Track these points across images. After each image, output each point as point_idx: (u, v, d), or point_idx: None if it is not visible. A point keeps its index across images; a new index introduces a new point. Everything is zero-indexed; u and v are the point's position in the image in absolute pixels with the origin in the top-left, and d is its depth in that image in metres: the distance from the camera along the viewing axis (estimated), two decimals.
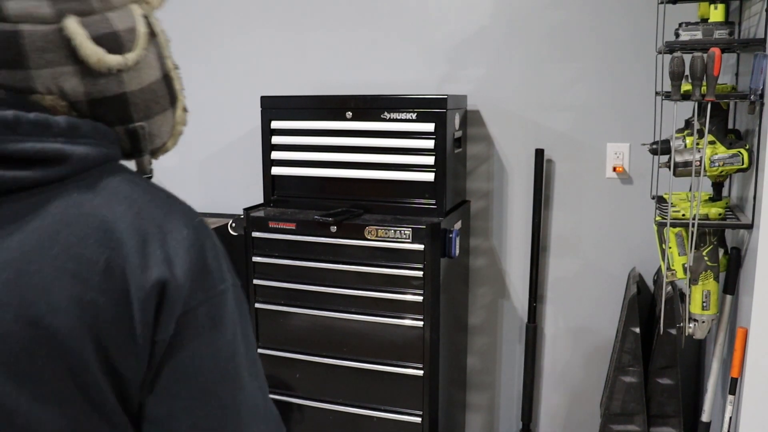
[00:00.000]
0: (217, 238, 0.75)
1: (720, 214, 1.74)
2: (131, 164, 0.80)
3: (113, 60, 0.71)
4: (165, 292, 0.67)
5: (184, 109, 0.84)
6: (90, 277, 0.65)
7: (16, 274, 0.63)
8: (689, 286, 1.80)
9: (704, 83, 1.61)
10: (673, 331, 2.07)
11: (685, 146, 1.73)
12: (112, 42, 0.71)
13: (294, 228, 2.22)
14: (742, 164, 1.68)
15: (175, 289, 0.67)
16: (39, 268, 0.64)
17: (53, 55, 0.68)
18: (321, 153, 2.32)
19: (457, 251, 2.16)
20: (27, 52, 0.67)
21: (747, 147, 1.69)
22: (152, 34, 0.80)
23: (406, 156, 2.22)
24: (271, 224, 2.24)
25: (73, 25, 0.69)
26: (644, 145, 1.87)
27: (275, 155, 2.38)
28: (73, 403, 0.65)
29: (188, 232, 0.71)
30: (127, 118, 0.75)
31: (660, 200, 1.89)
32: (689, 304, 1.82)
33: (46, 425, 0.64)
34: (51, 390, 0.64)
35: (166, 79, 0.79)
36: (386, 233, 2.12)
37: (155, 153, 0.85)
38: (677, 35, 1.75)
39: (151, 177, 0.82)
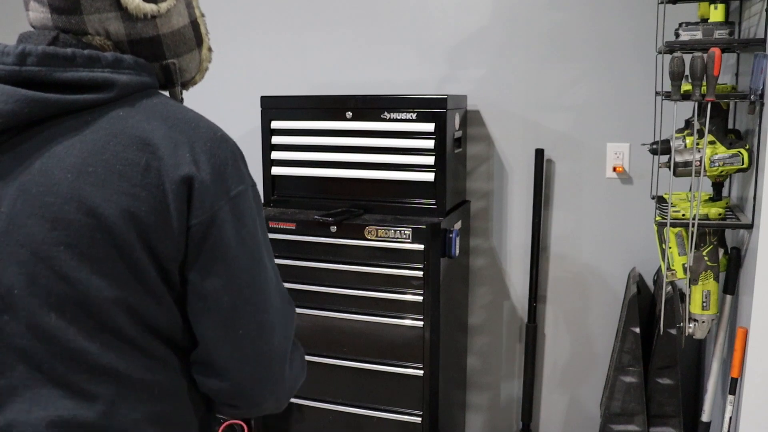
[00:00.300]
0: (237, 147, 0.90)
1: (720, 214, 1.74)
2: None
3: (148, 7, 0.89)
4: (192, 185, 0.83)
5: (209, 49, 1.03)
6: (133, 175, 0.82)
7: (77, 174, 0.82)
8: (689, 286, 1.80)
9: (704, 83, 1.61)
10: (673, 331, 2.07)
11: (685, 146, 1.73)
12: None
13: (294, 228, 2.22)
14: (742, 164, 1.68)
15: (200, 183, 0.83)
16: (94, 170, 0.82)
17: (101, 3, 0.87)
18: (321, 153, 2.32)
19: (457, 251, 2.16)
20: (81, 2, 0.87)
21: (747, 147, 1.69)
22: None
23: (406, 156, 2.22)
24: (272, 224, 2.24)
25: None
26: (644, 145, 1.87)
27: (275, 155, 2.38)
28: (121, 277, 0.82)
29: (212, 142, 0.86)
30: (161, 56, 0.94)
31: (660, 200, 1.89)
32: (689, 304, 1.82)
33: (102, 292, 0.82)
34: (105, 266, 0.82)
35: (194, 25, 0.97)
36: (386, 233, 2.12)
37: (186, 85, 1.03)
38: (677, 35, 1.75)
39: (182, 102, 0.98)
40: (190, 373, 0.92)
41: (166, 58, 0.94)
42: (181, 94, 1.01)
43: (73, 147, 0.83)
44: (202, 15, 1.00)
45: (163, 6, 0.91)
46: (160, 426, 0.88)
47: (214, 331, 0.87)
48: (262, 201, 2.43)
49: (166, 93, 0.97)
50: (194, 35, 0.98)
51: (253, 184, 0.90)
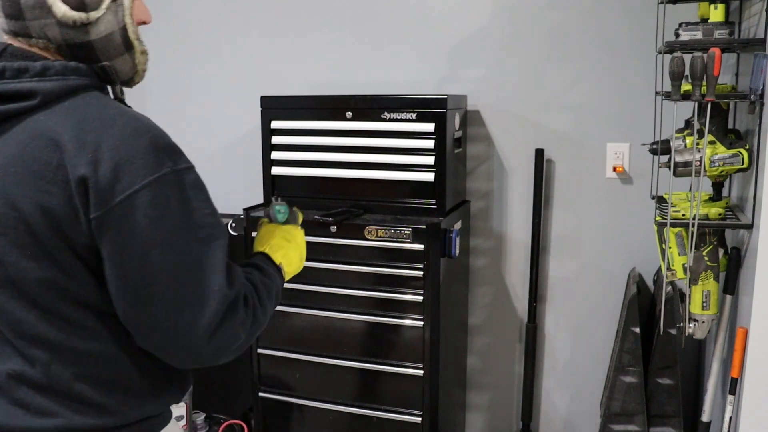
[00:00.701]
0: (156, 137, 1.02)
1: (720, 214, 1.74)
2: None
3: (76, 15, 1.02)
4: (87, 184, 0.95)
5: (143, 53, 1.12)
6: (47, 174, 0.95)
7: (3, 174, 0.97)
8: (689, 286, 1.80)
9: (704, 83, 1.61)
10: (673, 331, 2.07)
11: (685, 146, 1.73)
12: (76, 2, 1.02)
13: None
14: (742, 164, 1.68)
15: (94, 183, 0.94)
16: (15, 170, 0.97)
17: (39, 12, 1.01)
18: (321, 153, 2.32)
19: (457, 251, 2.16)
20: (23, 9, 1.01)
21: (747, 147, 1.69)
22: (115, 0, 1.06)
23: (406, 156, 2.22)
24: None
25: None
26: (644, 145, 1.87)
27: (275, 155, 2.38)
28: (44, 261, 0.98)
29: (121, 139, 0.97)
30: (96, 59, 1.07)
31: (660, 200, 1.89)
32: (689, 304, 1.82)
33: (29, 274, 0.98)
34: (29, 251, 0.98)
35: (122, 32, 1.07)
36: (386, 233, 2.12)
37: (127, 83, 1.16)
38: (677, 35, 1.75)
39: (122, 100, 1.15)
40: (124, 337, 1.04)
41: (100, 60, 1.07)
42: (122, 92, 1.17)
43: (1, 150, 0.99)
44: (133, 23, 1.08)
45: (93, 15, 1.03)
46: (92, 385, 1.03)
47: (128, 307, 1.00)
48: (262, 201, 2.43)
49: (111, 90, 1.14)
50: (123, 41, 1.08)
51: (174, 170, 0.99)
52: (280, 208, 1.43)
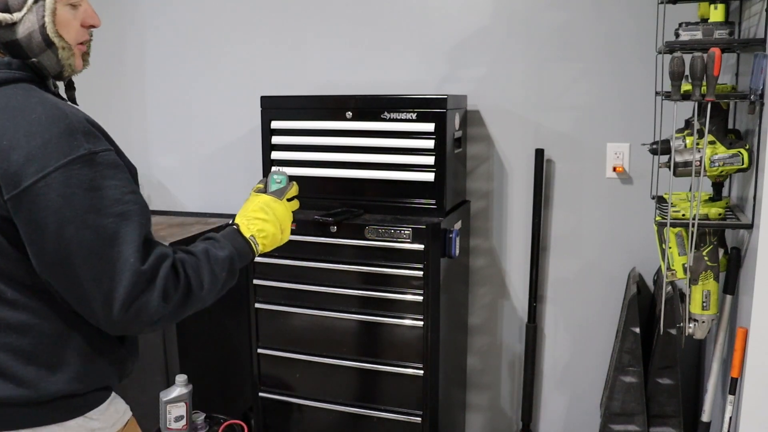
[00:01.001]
0: (73, 122, 1.07)
1: (720, 214, 1.74)
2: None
3: (1, 16, 1.12)
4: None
5: (64, 48, 1.18)
6: None
7: None
8: (689, 286, 1.80)
9: (704, 83, 1.61)
10: (673, 331, 2.07)
11: (685, 146, 1.73)
12: (3, 6, 1.12)
13: (294, 228, 2.20)
14: (742, 164, 1.68)
15: (6, 168, 1.03)
16: None
17: None
18: (321, 153, 2.32)
19: (457, 251, 2.16)
20: None
21: (747, 147, 1.69)
22: (37, 0, 1.14)
23: (406, 156, 2.22)
24: None
25: None
26: (644, 145, 1.87)
27: (275, 155, 2.38)
28: None
29: (36, 126, 1.04)
30: (25, 55, 1.16)
31: (660, 200, 1.89)
32: (689, 304, 1.82)
33: None
34: None
35: (42, 29, 1.14)
36: (386, 233, 2.12)
37: (58, 77, 1.22)
38: (677, 35, 1.74)
39: (56, 92, 1.22)
40: (47, 310, 1.10)
41: (29, 57, 1.16)
42: (56, 86, 1.24)
43: None
44: (53, 22, 1.16)
45: (16, 15, 1.13)
46: (10, 354, 1.09)
47: (52, 279, 1.07)
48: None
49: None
50: (42, 39, 1.15)
51: (81, 155, 1.05)
52: (277, 177, 1.44)
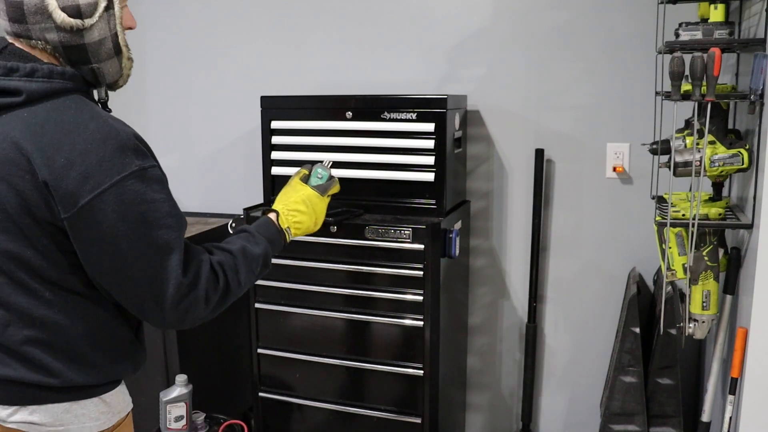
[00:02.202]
0: (123, 140, 1.12)
1: (720, 214, 1.74)
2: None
3: (73, 21, 1.15)
4: (50, 188, 1.09)
5: (129, 59, 1.26)
6: (18, 168, 1.10)
7: None
8: (689, 286, 1.80)
9: (704, 83, 1.61)
10: (673, 331, 2.07)
11: (685, 146, 1.73)
12: (73, 10, 1.15)
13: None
14: (742, 164, 1.68)
15: (56, 186, 1.08)
16: None
17: (40, 17, 1.14)
18: (321, 153, 2.31)
19: (457, 251, 2.16)
20: (26, 14, 1.14)
21: (747, 147, 1.69)
22: (108, 8, 1.19)
23: (406, 156, 2.22)
24: None
25: None
26: (644, 145, 1.87)
27: (275, 155, 2.38)
28: (13, 234, 1.12)
29: (90, 144, 1.10)
30: (87, 61, 1.19)
31: (660, 200, 1.89)
32: (689, 304, 1.82)
33: (3, 245, 1.13)
34: (1, 225, 1.13)
35: (114, 37, 1.21)
36: (386, 233, 2.12)
37: (112, 86, 1.28)
38: (677, 35, 1.75)
39: (106, 101, 1.26)
40: (79, 311, 1.18)
41: (91, 63, 1.20)
42: (106, 94, 1.27)
43: None
44: (123, 31, 1.23)
45: (87, 21, 1.16)
46: (41, 348, 1.17)
47: (105, 285, 1.17)
48: (262, 201, 2.43)
49: (95, 91, 1.26)
50: (113, 46, 1.21)
51: (134, 171, 1.12)
52: (321, 172, 1.50)
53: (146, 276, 1.14)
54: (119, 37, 1.22)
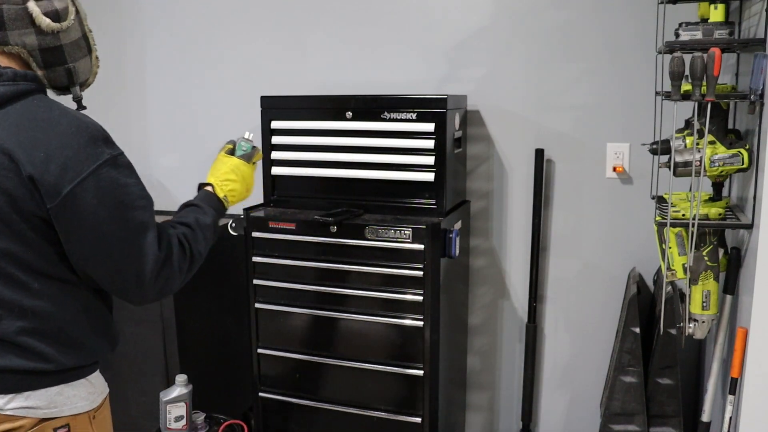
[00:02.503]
0: (94, 131, 1.22)
1: (720, 214, 1.74)
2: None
3: (55, 25, 1.26)
4: (35, 181, 1.16)
5: (97, 58, 1.39)
6: (1, 172, 1.16)
7: None
8: (689, 286, 1.80)
9: (704, 83, 1.61)
10: (673, 331, 2.07)
11: (685, 146, 1.73)
12: (54, 15, 1.26)
13: (294, 228, 2.22)
14: (742, 164, 1.68)
15: (40, 181, 1.16)
16: None
17: (20, 23, 1.24)
18: (321, 153, 2.32)
19: (457, 251, 2.16)
20: (5, 20, 1.23)
21: (747, 147, 1.69)
22: (77, 11, 1.33)
23: (406, 156, 2.22)
24: (271, 224, 2.24)
25: (32, 5, 1.25)
26: (644, 145, 1.87)
27: (275, 155, 2.38)
28: (2, 231, 1.19)
29: (65, 137, 1.19)
30: (63, 61, 1.31)
31: (660, 200, 1.89)
32: (689, 304, 1.82)
33: None
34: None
35: (85, 38, 1.35)
36: (386, 233, 2.12)
37: (82, 86, 1.39)
38: (677, 35, 1.75)
39: (80, 100, 1.38)
40: (65, 298, 1.27)
41: (67, 62, 1.31)
42: (80, 93, 1.38)
43: None
44: (90, 30, 1.37)
45: (64, 24, 1.28)
46: (34, 337, 1.24)
47: (90, 267, 1.26)
48: (262, 201, 2.43)
49: (67, 94, 1.37)
50: (86, 45, 1.35)
51: (107, 160, 1.22)
52: (244, 144, 1.66)
53: (127, 255, 1.24)
54: (89, 37, 1.36)
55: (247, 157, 1.65)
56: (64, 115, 1.22)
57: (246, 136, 1.70)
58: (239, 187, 1.59)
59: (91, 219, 1.20)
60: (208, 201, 1.51)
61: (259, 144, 2.40)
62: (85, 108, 1.37)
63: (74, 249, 1.23)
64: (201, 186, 1.58)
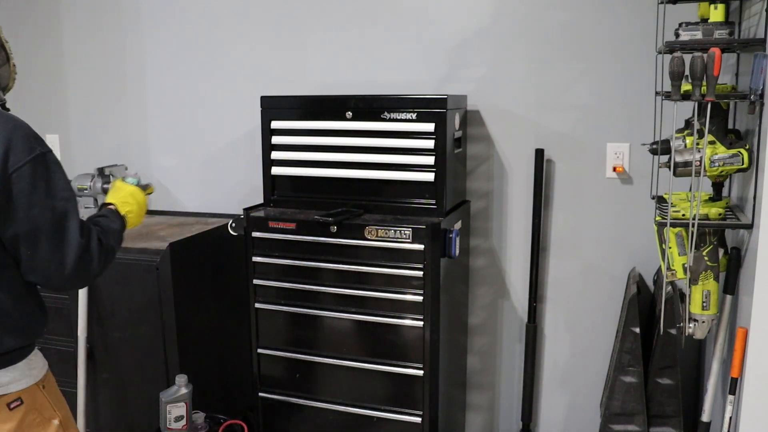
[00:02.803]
0: (26, 129, 1.41)
1: (720, 214, 1.74)
2: None
3: None
4: None
5: (14, 65, 1.57)
6: None
7: None
8: (689, 286, 1.80)
9: (704, 83, 1.61)
10: (673, 331, 2.07)
11: (685, 146, 1.73)
12: None
13: (294, 228, 2.22)
14: (742, 164, 1.68)
15: None
16: None
17: None
18: (321, 153, 2.32)
19: (457, 251, 2.16)
20: None
21: (747, 147, 1.69)
22: None
23: (406, 156, 2.22)
24: (271, 224, 2.24)
25: None
26: (644, 145, 1.87)
27: (275, 155, 2.38)
28: None
29: (7, 132, 1.37)
30: None
31: (660, 200, 1.89)
32: (689, 304, 1.82)
33: None
34: None
35: (3, 47, 1.54)
36: (386, 233, 2.12)
37: (4, 90, 1.56)
38: (677, 35, 1.75)
39: (4, 103, 1.53)
40: (8, 285, 1.42)
41: None
42: (4, 95, 1.54)
43: None
44: (7, 41, 1.55)
45: None
46: None
47: (22, 248, 1.41)
48: (262, 201, 2.44)
49: None
50: (6, 54, 1.54)
51: (40, 154, 1.40)
52: (132, 181, 1.84)
53: (52, 237, 1.41)
54: (6, 47, 1.54)
55: (143, 187, 1.84)
56: (1, 114, 1.42)
57: (133, 176, 1.91)
58: (136, 209, 1.74)
59: (24, 201, 1.38)
60: (113, 215, 1.68)
61: (258, 142, 2.42)
62: (8, 110, 1.51)
63: (7, 231, 1.38)
64: (103, 205, 1.75)
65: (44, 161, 1.41)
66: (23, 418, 1.47)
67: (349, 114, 2.26)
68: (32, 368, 1.50)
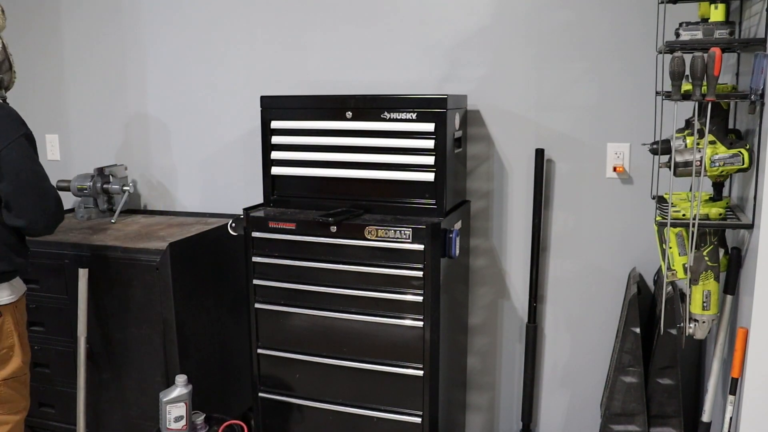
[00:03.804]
0: (13, 114, 1.97)
1: (720, 214, 1.74)
2: None
3: None
4: None
5: (15, 71, 2.08)
6: None
7: None
8: (689, 286, 1.80)
9: (704, 83, 1.61)
10: (674, 331, 2.07)
11: (686, 146, 1.73)
12: None
13: (294, 228, 2.21)
14: (743, 164, 1.68)
15: None
16: None
17: None
18: (321, 153, 2.32)
19: (457, 251, 2.16)
20: None
21: (747, 147, 1.69)
22: (3, 45, 2.02)
23: (406, 156, 2.22)
24: (271, 224, 2.24)
25: None
26: (644, 145, 1.87)
27: (275, 155, 2.38)
28: None
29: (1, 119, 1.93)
30: None
31: (660, 200, 1.89)
32: (689, 304, 1.82)
33: None
34: None
35: (8, 57, 2.04)
36: (386, 233, 2.12)
37: (6, 89, 2.07)
38: (677, 35, 1.74)
39: (5, 99, 2.06)
40: (8, 229, 1.96)
41: (2, 72, 2.04)
42: (5, 93, 2.06)
43: None
44: (11, 54, 2.05)
45: None
46: None
47: (16, 202, 1.92)
48: (262, 201, 2.44)
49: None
50: (9, 63, 2.05)
51: (24, 134, 1.95)
52: None
53: (38, 192, 1.94)
54: (10, 57, 2.03)
55: None
56: (1, 106, 1.95)
57: None
58: None
59: (15, 166, 1.89)
60: None
61: (258, 142, 2.42)
62: (7, 104, 2.00)
63: (4, 190, 1.89)
64: None
65: (28, 138, 1.95)
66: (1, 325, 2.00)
67: (349, 114, 2.26)
68: (12, 290, 2.00)
